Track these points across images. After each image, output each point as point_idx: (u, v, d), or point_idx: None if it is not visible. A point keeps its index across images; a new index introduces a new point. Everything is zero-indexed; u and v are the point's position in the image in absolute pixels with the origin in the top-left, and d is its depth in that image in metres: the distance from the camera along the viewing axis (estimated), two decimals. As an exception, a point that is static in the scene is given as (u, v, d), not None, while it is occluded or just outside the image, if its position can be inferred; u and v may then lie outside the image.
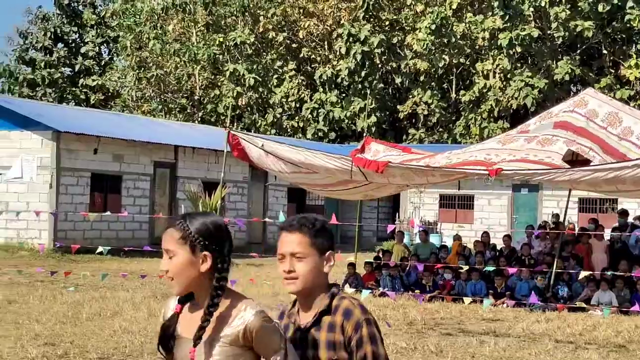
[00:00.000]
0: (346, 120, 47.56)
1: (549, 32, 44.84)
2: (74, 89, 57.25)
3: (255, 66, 48.48)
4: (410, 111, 47.46)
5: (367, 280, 19.66)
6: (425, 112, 47.17)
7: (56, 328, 12.61)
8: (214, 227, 3.48)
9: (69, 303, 15.54)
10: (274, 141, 19.32)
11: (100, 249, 18.85)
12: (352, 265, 19.91)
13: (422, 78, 47.39)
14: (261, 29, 49.13)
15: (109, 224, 29.17)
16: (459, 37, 45.18)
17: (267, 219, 29.46)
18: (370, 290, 18.20)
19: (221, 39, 48.56)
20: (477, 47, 46.39)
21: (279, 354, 3.37)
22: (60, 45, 59.24)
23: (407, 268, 20.11)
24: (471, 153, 17.34)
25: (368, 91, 46.39)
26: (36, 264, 23.08)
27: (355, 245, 23.06)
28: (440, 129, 48.24)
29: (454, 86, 47.87)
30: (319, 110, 48.27)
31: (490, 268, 18.64)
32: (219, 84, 49.80)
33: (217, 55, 49.25)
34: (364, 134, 25.08)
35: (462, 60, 46.75)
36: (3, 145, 28.82)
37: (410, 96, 47.49)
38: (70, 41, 59.77)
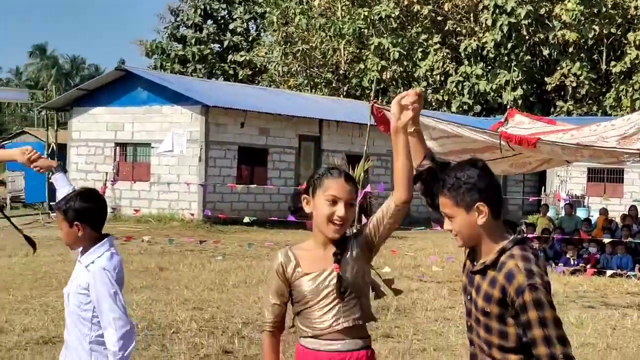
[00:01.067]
0: (492, 93, 47.01)
1: None
2: (222, 64, 58.54)
3: (400, 40, 48.43)
4: (558, 83, 46.52)
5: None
6: (574, 84, 46.14)
7: (204, 294, 13.14)
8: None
9: (217, 271, 16.12)
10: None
11: (246, 219, 19.42)
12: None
13: (570, 49, 46.34)
14: (406, 2, 48.91)
15: (255, 195, 29.88)
16: (609, 6, 43.87)
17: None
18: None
19: (366, 13, 48.65)
20: (629, 16, 44.95)
21: None
22: (209, 22, 60.60)
23: (551, 241, 19.87)
24: (622, 127, 16.81)
25: (514, 63, 45.67)
26: (186, 233, 23.94)
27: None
28: (590, 101, 47.10)
29: (604, 57, 46.59)
30: (464, 84, 47.89)
31: (638, 241, 18.24)
32: (364, 58, 49.97)
33: (362, 30, 49.39)
34: (508, 107, 24.74)
35: (613, 30, 45.42)
36: (155, 119, 29.99)
37: (559, 68, 46.53)
38: (219, 18, 61.04)
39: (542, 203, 25.19)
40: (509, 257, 3.57)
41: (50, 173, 5.11)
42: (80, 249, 4.64)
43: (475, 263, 3.70)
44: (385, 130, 18.43)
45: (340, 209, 3.91)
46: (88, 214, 4.56)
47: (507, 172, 21.59)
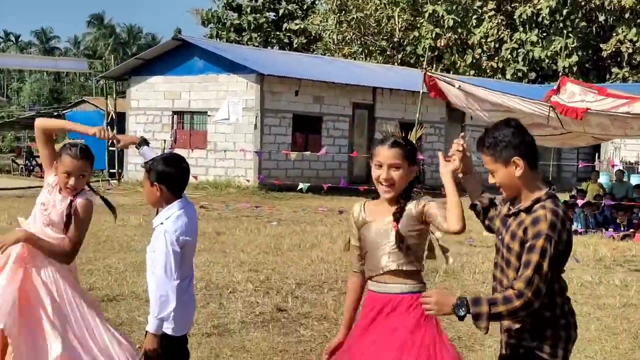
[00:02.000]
0: (546, 60, 46.76)
1: None
2: (277, 33, 58.83)
3: (454, 7, 48.31)
4: (614, 50, 46.09)
5: (561, 220, 19.71)
6: (630, 50, 45.69)
7: (259, 257, 13.63)
8: None
9: (272, 235, 16.61)
10: (469, 83, 19.52)
11: (300, 185, 19.84)
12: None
13: (627, 15, 45.82)
14: (461, -31, 48.80)
15: (310, 163, 30.29)
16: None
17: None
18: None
19: (420, -20, 48.62)
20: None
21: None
22: (265, -10, 60.85)
23: (601, 206, 20.02)
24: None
25: (570, 30, 45.33)
26: (242, 199, 24.49)
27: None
28: (646, 68, 46.66)
29: (661, 23, 46.05)
30: (519, 50, 47.69)
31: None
32: (418, 25, 49.95)
33: (416, -3, 49.37)
34: (560, 74, 24.76)
35: (670, -5, 44.85)
36: (212, 88, 30.53)
37: (614, 34, 46.08)
38: (274, -14, 61.29)
39: (594, 170, 25.21)
40: (541, 207, 4.08)
41: (137, 147, 5.49)
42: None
43: (511, 208, 4.22)
44: (436, 96, 18.74)
45: (383, 172, 4.42)
46: (167, 177, 4.98)
47: (564, 144, 21.71)
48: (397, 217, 4.42)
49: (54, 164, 5.56)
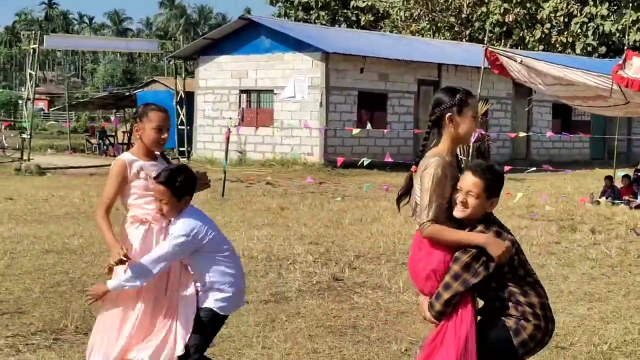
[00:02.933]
0: (617, 34, 46.10)
1: None
2: (345, 10, 58.97)
3: (523, -19, 47.90)
4: (686, 22, 45.24)
5: (625, 194, 19.72)
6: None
7: (320, 230, 13.98)
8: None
9: (335, 210, 16.94)
10: (531, 57, 19.54)
11: (363, 160, 20.12)
12: (609, 178, 20.02)
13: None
14: (529, -57, 48.24)
15: (375, 140, 30.51)
16: None
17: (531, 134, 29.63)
18: (626, 202, 18.38)
19: (488, -45, 48.24)
20: None
21: None
22: (333, -32, 60.91)
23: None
24: None
25: (641, 3, 44.63)
26: (308, 176, 24.84)
27: (614, 160, 23.00)
28: None
29: None
30: (589, 25, 47.07)
31: None
32: (486, 1, 49.62)
33: (484, -28, 49.04)
34: (625, 48, 24.54)
35: None
36: (278, 66, 30.92)
37: (688, 6, 45.21)
38: (344, -36, 61.31)
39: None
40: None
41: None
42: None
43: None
44: (499, 73, 18.83)
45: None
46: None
47: (629, 113, 21.60)
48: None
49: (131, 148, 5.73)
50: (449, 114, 4.83)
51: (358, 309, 8.57)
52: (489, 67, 18.28)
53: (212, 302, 5.40)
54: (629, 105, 17.79)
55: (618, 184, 20.38)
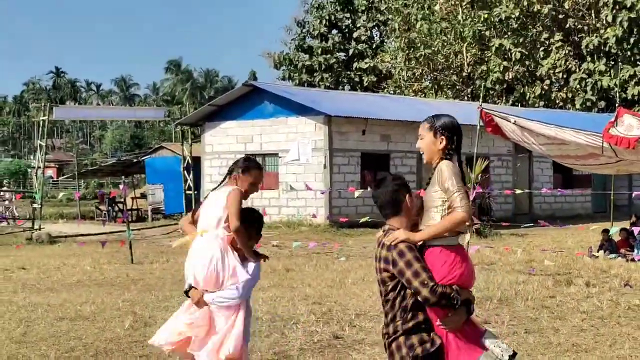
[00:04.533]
0: (615, 89, 46.85)
1: None
2: (348, 72, 60.01)
3: (521, 39, 48.82)
4: (684, 76, 45.98)
5: (622, 247, 20.18)
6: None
7: (324, 291, 14.45)
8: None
9: (339, 270, 17.43)
10: (524, 118, 20.13)
11: (366, 219, 20.65)
12: (605, 232, 20.48)
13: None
14: (526, 3, 49.22)
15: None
16: None
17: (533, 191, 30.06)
18: (623, 256, 18.82)
19: (486, 15, 49.20)
20: None
21: None
22: (334, 31, 62.15)
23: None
24: None
25: (638, 57, 45.40)
26: (313, 237, 25.37)
27: (611, 214, 23.47)
28: None
29: None
30: (587, 80, 47.87)
31: None
32: (486, 59, 50.53)
33: (483, 32, 49.98)
34: (617, 106, 25.14)
35: None
36: (282, 130, 31.65)
37: (684, 60, 45.99)
38: (343, 27, 62.51)
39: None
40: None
41: None
42: None
43: None
44: (493, 133, 19.41)
45: None
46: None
47: (619, 171, 22.09)
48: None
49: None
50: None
51: (356, 365, 9.05)
52: (483, 126, 18.84)
53: None
54: (620, 163, 18.27)
55: (617, 237, 20.84)
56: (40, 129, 33.32)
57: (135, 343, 10.09)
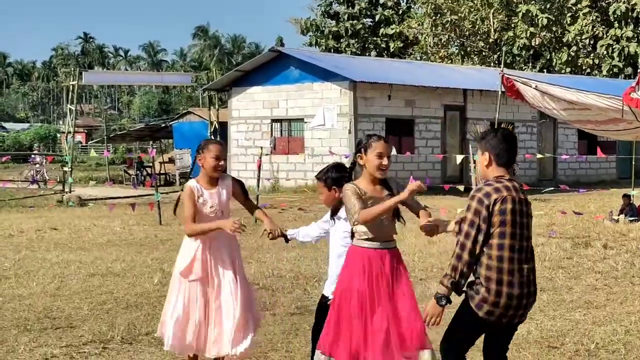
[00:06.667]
0: (643, 55, 46.74)
1: None
2: (374, 38, 59.96)
3: (548, 5, 48.67)
4: None
5: (643, 211, 20.38)
6: None
7: (346, 251, 14.81)
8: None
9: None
10: (546, 83, 20.31)
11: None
12: (627, 197, 20.69)
13: None
14: (554, -32, 49.07)
15: (404, 164, 31.33)
16: None
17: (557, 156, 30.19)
18: (644, 220, 19.10)
19: (514, -20, 49.07)
20: None
21: None
22: (361, -3, 61.98)
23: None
24: None
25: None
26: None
27: (632, 179, 23.62)
28: None
29: None
30: (614, 46, 47.73)
31: None
32: (513, 25, 50.43)
33: (509, -3, 49.87)
34: (639, 71, 25.23)
35: None
36: (308, 96, 31.98)
37: None
38: (370, -8, 62.34)
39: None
40: None
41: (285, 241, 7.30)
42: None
43: None
44: (515, 98, 19.64)
45: (384, 160, 5.89)
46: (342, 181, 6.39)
47: (635, 139, 22.23)
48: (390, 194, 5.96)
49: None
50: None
51: (374, 318, 9.42)
52: (505, 91, 19.08)
53: None
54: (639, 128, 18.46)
55: (638, 202, 21.04)
56: (70, 93, 33.84)
57: (164, 297, 10.51)
